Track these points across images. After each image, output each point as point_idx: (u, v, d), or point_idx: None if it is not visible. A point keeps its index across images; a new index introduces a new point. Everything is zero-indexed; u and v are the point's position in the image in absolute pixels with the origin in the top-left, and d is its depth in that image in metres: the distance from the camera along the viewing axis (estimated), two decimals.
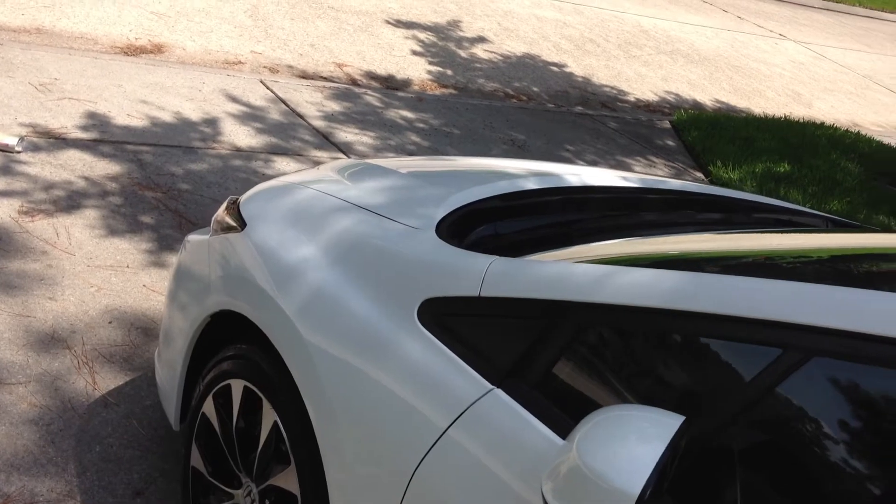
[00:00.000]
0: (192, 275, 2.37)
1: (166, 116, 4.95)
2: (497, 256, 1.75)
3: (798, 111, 9.31)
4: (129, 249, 3.64)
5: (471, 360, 1.63)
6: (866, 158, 8.21)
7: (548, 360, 1.53)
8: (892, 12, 17.28)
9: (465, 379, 1.61)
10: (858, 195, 7.02)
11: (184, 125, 4.91)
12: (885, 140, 8.97)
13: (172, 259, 3.64)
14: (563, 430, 1.43)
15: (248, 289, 2.09)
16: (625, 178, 2.63)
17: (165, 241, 3.79)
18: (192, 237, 2.49)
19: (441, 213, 2.04)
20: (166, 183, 4.27)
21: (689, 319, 1.39)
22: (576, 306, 1.54)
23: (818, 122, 8.77)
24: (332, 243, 2.02)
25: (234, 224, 2.27)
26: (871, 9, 16.86)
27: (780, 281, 1.36)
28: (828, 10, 16.11)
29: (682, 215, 2.49)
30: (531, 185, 2.33)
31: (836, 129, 8.74)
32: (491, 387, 1.57)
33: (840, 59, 12.46)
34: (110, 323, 3.15)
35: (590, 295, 1.53)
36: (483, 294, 1.67)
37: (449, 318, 1.71)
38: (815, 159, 7.73)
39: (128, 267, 3.52)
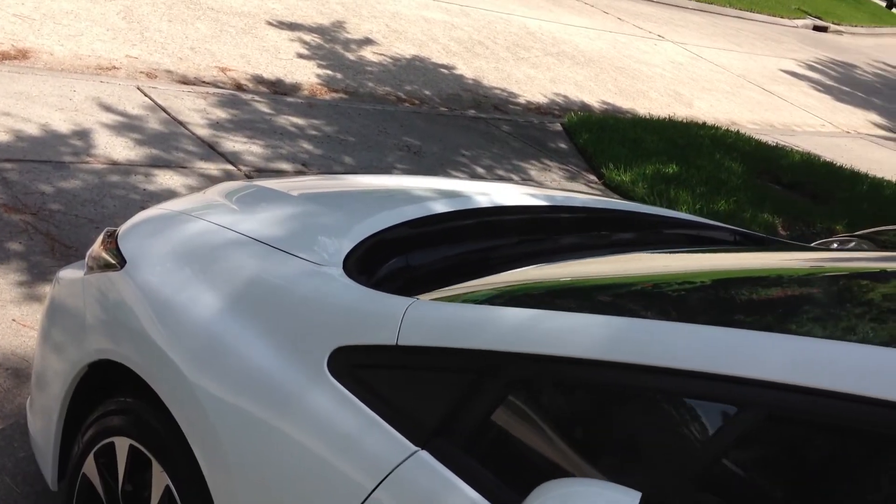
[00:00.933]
0: (66, 315, 2.13)
1: (33, 129, 4.57)
2: (415, 299, 1.60)
3: (680, 111, 9.53)
4: None
5: (391, 417, 1.47)
6: (747, 157, 8.47)
7: (477, 419, 1.39)
8: (759, 12, 18.04)
9: (385, 439, 1.45)
10: (743, 194, 7.22)
11: (53, 138, 4.55)
12: (763, 138, 9.29)
13: (46, 290, 3.33)
14: (496, 497, 1.30)
15: (132, 336, 1.87)
16: (533, 196, 2.54)
17: (37, 268, 3.47)
18: (66, 273, 2.24)
19: (347, 245, 1.88)
20: (35, 203, 3.93)
21: (628, 371, 1.28)
22: (505, 357, 1.41)
23: (700, 121, 9.00)
24: (225, 283, 1.83)
25: (112, 261, 2.04)
26: (740, 9, 17.55)
27: (729, 330, 1.28)
28: (702, 10, 16.65)
29: (594, 236, 2.41)
30: (439, 207, 2.19)
31: (718, 128, 8.99)
32: (415, 448, 1.42)
33: (715, 59, 12.88)
34: None
35: (519, 344, 1.41)
36: (401, 343, 1.52)
37: (365, 370, 1.55)
38: (700, 159, 7.91)
39: None
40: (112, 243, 2.10)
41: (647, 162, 7.39)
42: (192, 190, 4.64)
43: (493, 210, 2.30)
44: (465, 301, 1.71)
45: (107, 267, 2.04)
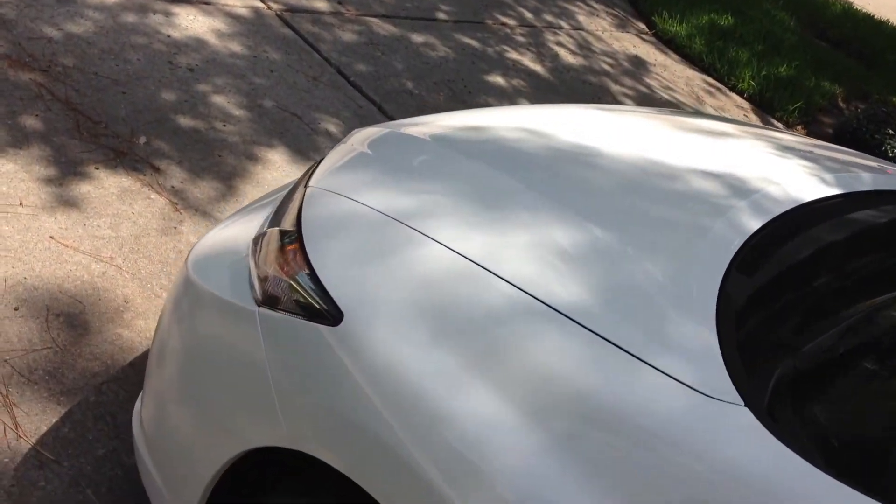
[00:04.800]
0: (225, 358, 1.39)
1: None
2: None
3: None
4: (15, 174, 2.54)
5: None
6: (791, 6, 7.72)
7: None
8: None
9: None
10: (801, 55, 6.55)
11: None
12: None
13: (83, 189, 2.58)
14: None
15: (375, 455, 1.16)
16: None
17: (64, 156, 2.69)
18: (199, 270, 1.52)
19: (707, 329, 1.15)
20: (43, 54, 3.06)
21: None
22: None
23: None
24: (535, 403, 1.09)
25: (316, 306, 1.29)
26: None
27: None
28: None
29: None
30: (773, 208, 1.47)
31: None
32: None
33: None
34: (16, 310, 2.15)
35: None
36: None
37: None
38: (751, 10, 7.14)
39: (21, 205, 2.45)
40: (299, 259, 1.36)
41: (700, 11, 6.59)
42: (220, 35, 3.78)
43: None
44: None
45: (304, 310, 1.30)
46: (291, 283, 1.32)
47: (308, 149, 3.33)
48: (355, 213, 1.39)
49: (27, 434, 1.88)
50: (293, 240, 1.40)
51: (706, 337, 1.13)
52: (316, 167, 1.76)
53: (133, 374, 2.11)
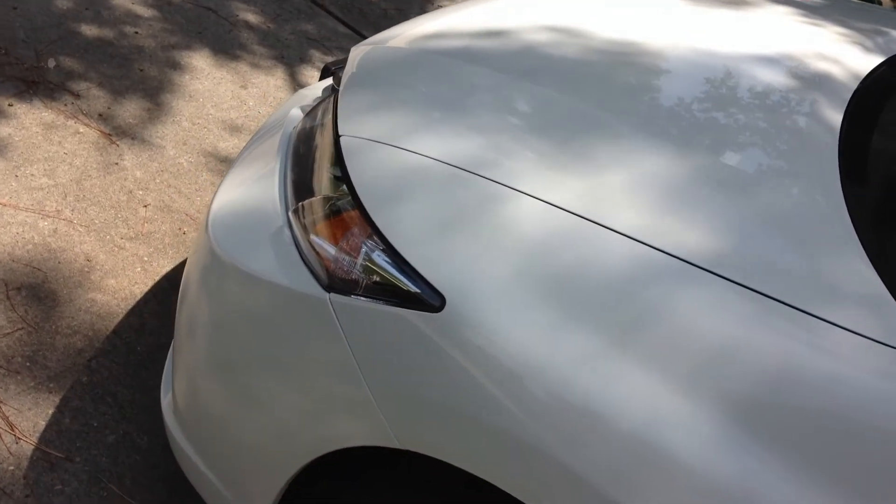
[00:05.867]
0: (287, 348, 1.21)
1: None
2: None
3: None
4: None
5: None
6: None
7: None
8: None
9: None
10: None
11: None
12: None
13: (2, 135, 2.23)
14: None
15: (514, 455, 1.02)
16: None
17: None
18: (234, 261, 1.28)
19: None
20: None
21: None
22: None
23: None
24: (705, 380, 0.96)
25: (404, 287, 1.10)
26: None
27: None
28: None
29: None
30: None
31: None
32: None
33: None
34: None
35: None
36: None
37: None
38: None
39: None
40: (365, 232, 1.15)
41: None
42: None
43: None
44: None
45: (391, 294, 1.11)
46: (367, 263, 1.14)
47: (232, 47, 3.01)
48: (416, 168, 1.20)
49: (26, 434, 1.68)
50: (349, 207, 1.21)
51: (864, 273, 1.04)
52: (322, 104, 1.54)
53: (120, 343, 1.91)
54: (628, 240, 1.07)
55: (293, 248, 1.24)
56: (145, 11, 2.99)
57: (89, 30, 2.77)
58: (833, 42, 1.58)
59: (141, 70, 2.71)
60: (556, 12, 1.65)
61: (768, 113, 1.32)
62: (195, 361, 1.36)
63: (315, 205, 1.26)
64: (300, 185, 1.34)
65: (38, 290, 1.93)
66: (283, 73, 2.99)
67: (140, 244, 2.15)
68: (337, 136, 1.30)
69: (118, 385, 1.83)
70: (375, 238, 1.15)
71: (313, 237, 1.22)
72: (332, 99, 1.48)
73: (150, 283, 2.07)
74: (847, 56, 1.52)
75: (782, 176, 1.19)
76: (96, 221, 2.15)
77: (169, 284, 2.08)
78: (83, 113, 2.45)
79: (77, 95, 2.49)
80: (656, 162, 1.19)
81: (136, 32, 2.87)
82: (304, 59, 3.11)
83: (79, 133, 2.38)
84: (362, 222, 1.17)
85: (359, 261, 1.16)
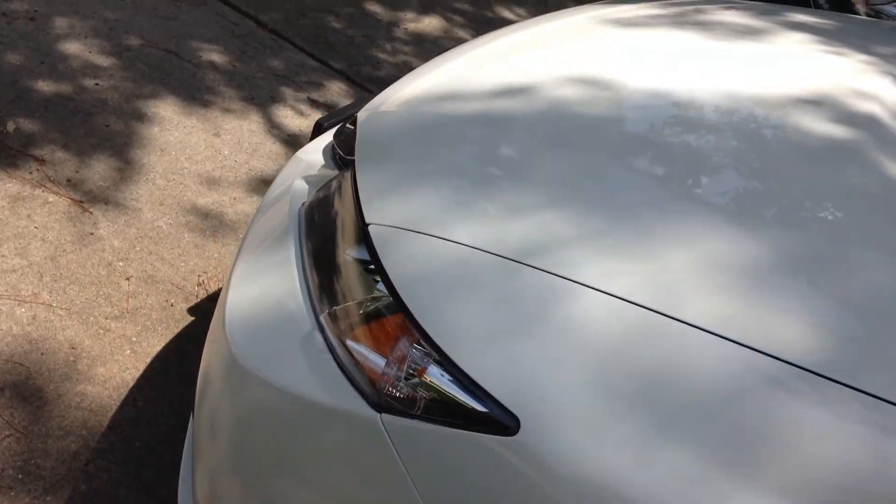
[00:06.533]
0: (332, 470, 1.07)
1: None
2: None
3: None
4: None
5: None
6: None
7: None
8: None
9: None
10: None
11: None
12: None
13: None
14: None
15: None
16: None
17: None
18: (262, 374, 1.13)
19: None
20: None
21: None
22: None
23: None
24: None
25: (460, 402, 0.97)
26: None
27: None
28: None
29: None
30: None
31: None
32: None
33: None
34: None
35: None
36: None
37: None
38: None
39: None
40: (411, 339, 1.03)
41: None
42: None
43: None
44: None
45: (454, 415, 0.98)
46: (422, 377, 1.02)
47: (199, 91, 2.85)
48: (458, 260, 1.08)
49: None
50: (390, 311, 1.08)
51: None
52: (335, 180, 1.40)
53: (117, 439, 1.76)
54: (715, 338, 0.96)
55: (327, 355, 1.11)
56: (104, 60, 2.82)
57: (46, 86, 2.60)
58: (866, 72, 1.50)
59: (106, 125, 2.55)
60: (569, 56, 1.54)
61: (829, 170, 1.22)
62: (218, 465, 1.23)
63: (351, 308, 1.13)
64: (323, 276, 1.21)
65: (22, 388, 1.77)
66: (255, 115, 2.84)
67: (126, 323, 1.99)
68: (364, 225, 1.18)
69: (119, 487, 1.68)
70: (426, 346, 1.03)
71: (352, 344, 1.09)
72: (346, 175, 1.35)
73: (142, 367, 1.92)
74: (887, 90, 1.43)
75: (872, 249, 1.09)
76: (77, 302, 2.00)
77: (161, 366, 1.94)
78: (50, 180, 2.28)
79: (42, 161, 2.32)
80: (720, 238, 1.09)
81: (97, 84, 2.70)
82: (276, 98, 2.96)
83: (48, 203, 2.21)
84: (410, 329, 1.05)
85: (417, 379, 1.03)
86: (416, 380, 1.03)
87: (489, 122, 1.33)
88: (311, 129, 2.87)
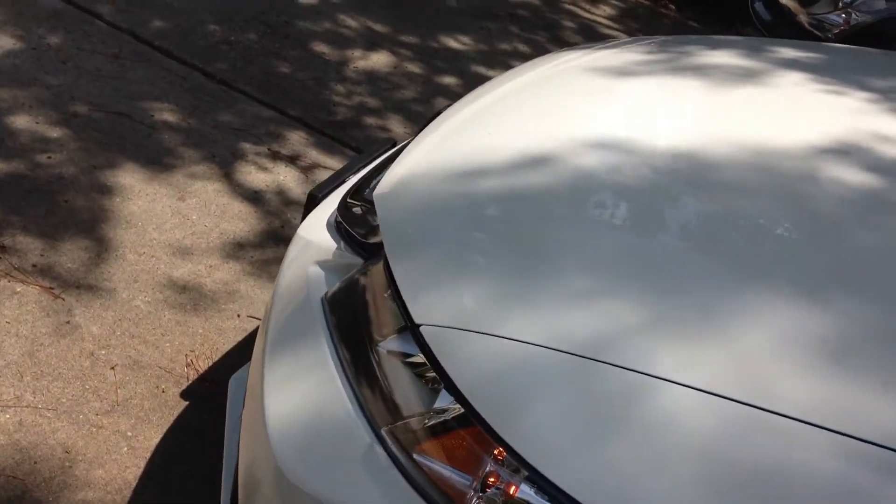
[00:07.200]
0: None
1: None
2: None
3: None
4: None
5: None
6: None
7: None
8: None
9: None
10: None
11: None
12: None
13: None
14: None
15: None
16: None
17: None
18: (327, 493, 1.05)
19: None
20: None
21: None
22: None
23: None
24: None
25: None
26: None
27: None
28: None
29: None
30: None
31: None
32: None
33: None
34: None
35: None
36: None
37: None
38: None
39: None
40: (489, 451, 0.96)
41: None
42: None
43: None
44: None
45: None
46: (514, 497, 0.96)
47: (157, 154, 2.74)
48: (524, 360, 1.03)
49: None
50: (461, 423, 1.02)
51: None
52: (362, 267, 1.34)
53: None
54: (814, 427, 0.93)
55: (394, 472, 1.04)
56: (54, 131, 2.69)
57: None
58: (876, 112, 1.50)
59: (66, 201, 2.43)
60: (580, 116, 1.50)
61: (880, 230, 1.21)
62: None
63: (415, 423, 1.07)
64: (371, 381, 1.14)
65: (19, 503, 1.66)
66: (218, 174, 2.74)
67: (119, 417, 1.89)
68: (415, 327, 1.11)
69: None
70: (510, 458, 0.97)
71: (422, 460, 1.03)
72: (375, 265, 1.29)
73: (142, 464, 1.81)
74: None
75: None
76: (63, 400, 1.88)
77: (162, 460, 1.84)
78: (16, 268, 2.15)
79: (3, 248, 2.20)
80: (786, 311, 1.06)
81: (49, 158, 2.57)
82: (237, 155, 2.87)
83: (17, 294, 2.09)
84: (489, 442, 0.99)
85: (493, 491, 0.98)
86: (505, 498, 0.97)
87: (513, 197, 1.29)
88: (276, 183, 2.79)
